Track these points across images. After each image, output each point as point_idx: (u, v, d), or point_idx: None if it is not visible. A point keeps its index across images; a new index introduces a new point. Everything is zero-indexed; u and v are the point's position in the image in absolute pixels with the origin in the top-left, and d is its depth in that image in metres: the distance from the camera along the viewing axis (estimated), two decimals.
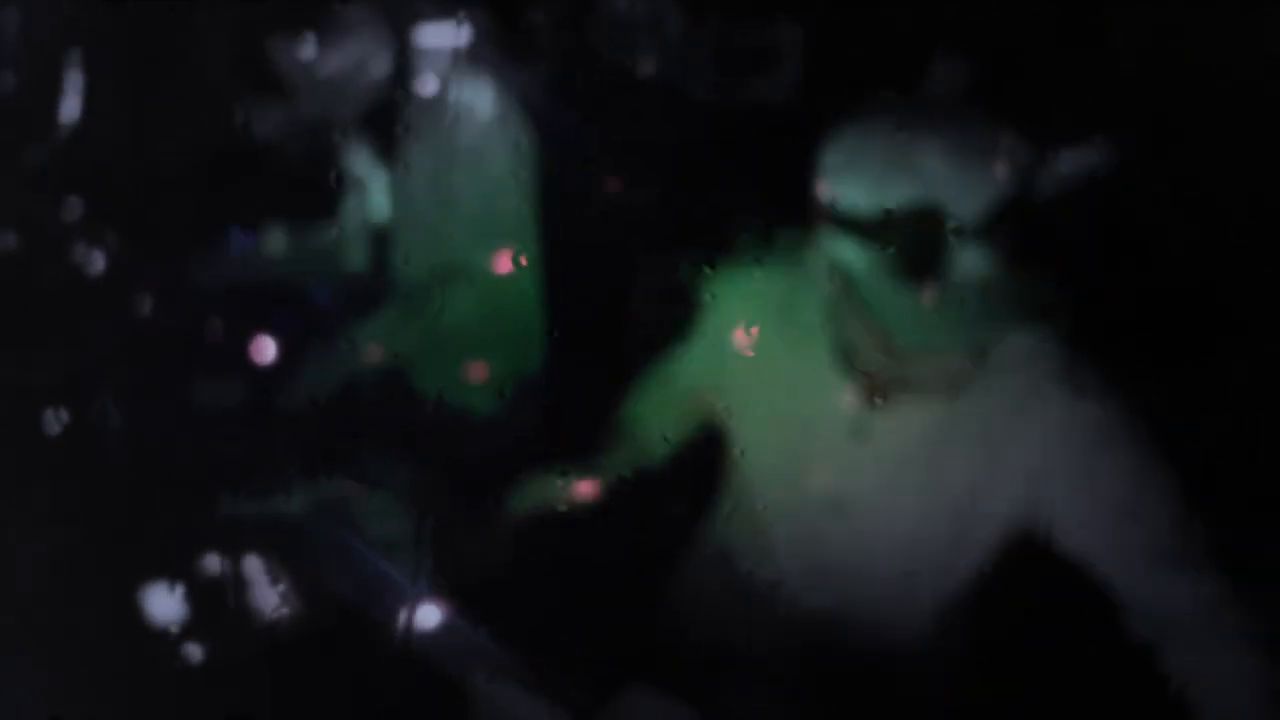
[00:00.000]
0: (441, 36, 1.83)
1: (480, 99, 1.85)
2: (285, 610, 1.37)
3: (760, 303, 1.26)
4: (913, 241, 1.00)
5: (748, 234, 1.51)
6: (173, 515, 1.43)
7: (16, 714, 1.26)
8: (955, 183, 0.99)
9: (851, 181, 1.04)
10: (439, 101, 1.83)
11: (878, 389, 1.14)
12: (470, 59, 1.87)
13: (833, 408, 1.16)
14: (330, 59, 1.69)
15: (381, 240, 1.97)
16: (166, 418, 1.66)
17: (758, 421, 1.26)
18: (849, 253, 1.05)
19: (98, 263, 1.85)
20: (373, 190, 1.94)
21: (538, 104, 2.01)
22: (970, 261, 1.00)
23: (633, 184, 2.58)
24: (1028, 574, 1.18)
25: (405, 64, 1.80)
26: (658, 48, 2.75)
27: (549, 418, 2.10)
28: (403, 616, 1.34)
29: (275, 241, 2.02)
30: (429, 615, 1.35)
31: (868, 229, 1.02)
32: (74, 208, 1.94)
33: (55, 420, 1.57)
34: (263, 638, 1.36)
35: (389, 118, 1.83)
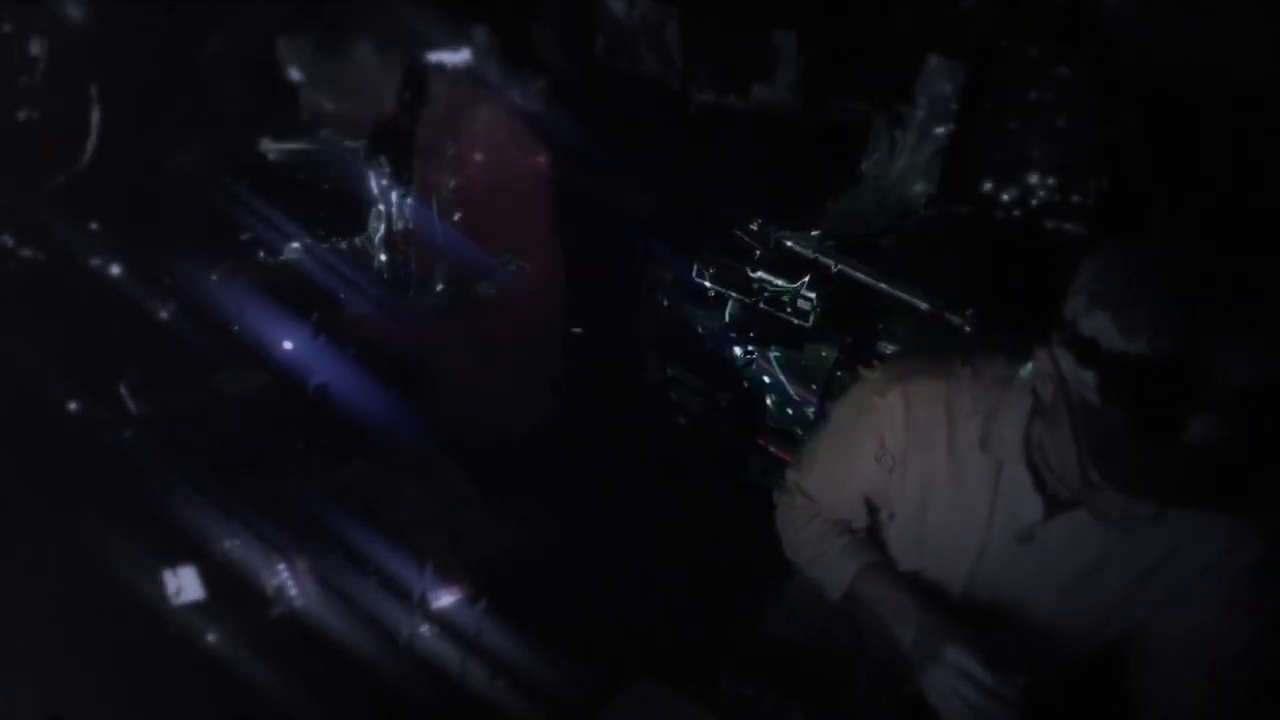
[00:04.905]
0: (450, 56, 1.89)
1: (489, 112, 1.91)
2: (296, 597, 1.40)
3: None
4: (1162, 401, 0.88)
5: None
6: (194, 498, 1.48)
7: (16, 713, 1.27)
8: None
9: (1105, 320, 0.92)
10: (449, 118, 1.90)
11: (1059, 504, 1.13)
12: (478, 75, 1.94)
13: (1008, 510, 1.17)
14: (344, 82, 1.74)
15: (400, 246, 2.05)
16: (191, 404, 1.72)
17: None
18: (1086, 386, 0.95)
19: (120, 268, 1.94)
20: (390, 202, 2.02)
21: (544, 115, 2.07)
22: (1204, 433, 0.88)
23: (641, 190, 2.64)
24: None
25: (416, 84, 1.85)
26: (658, 56, 2.78)
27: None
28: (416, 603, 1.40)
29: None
30: (442, 601, 1.41)
31: (1117, 374, 0.91)
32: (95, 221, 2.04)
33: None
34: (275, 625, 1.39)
35: (403, 136, 1.89)
